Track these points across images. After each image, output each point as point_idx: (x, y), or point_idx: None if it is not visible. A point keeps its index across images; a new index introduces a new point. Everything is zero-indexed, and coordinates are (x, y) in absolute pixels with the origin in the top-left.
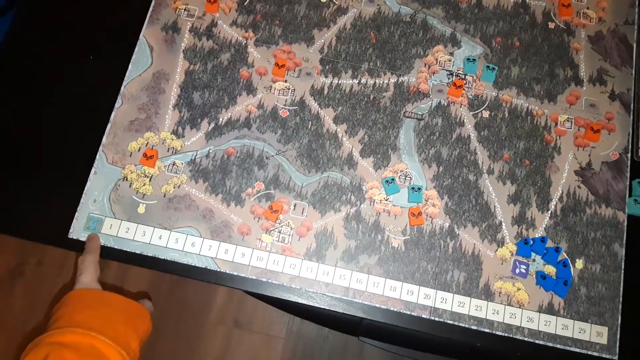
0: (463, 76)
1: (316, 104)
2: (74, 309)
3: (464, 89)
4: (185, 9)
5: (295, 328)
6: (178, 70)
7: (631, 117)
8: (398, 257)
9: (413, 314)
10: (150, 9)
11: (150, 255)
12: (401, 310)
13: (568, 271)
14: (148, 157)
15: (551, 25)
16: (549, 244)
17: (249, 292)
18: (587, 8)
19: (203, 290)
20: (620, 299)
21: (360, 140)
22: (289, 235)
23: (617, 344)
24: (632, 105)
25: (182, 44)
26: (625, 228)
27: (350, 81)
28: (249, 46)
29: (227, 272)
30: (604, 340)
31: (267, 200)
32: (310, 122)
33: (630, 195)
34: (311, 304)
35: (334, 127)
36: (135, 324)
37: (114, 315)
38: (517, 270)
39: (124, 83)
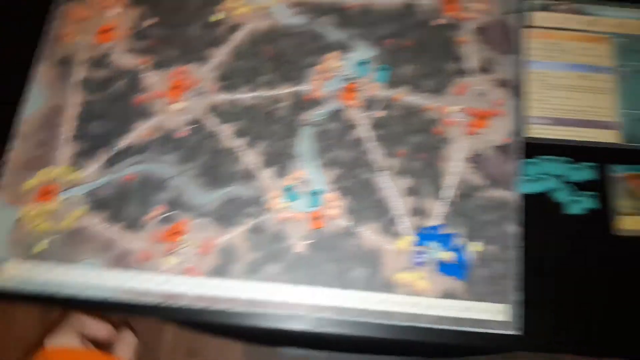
0: (356, 79)
1: (214, 121)
2: None
3: (357, 92)
4: (78, 41)
5: (253, 353)
6: (73, 102)
7: (518, 100)
8: (303, 262)
9: (321, 315)
10: (42, 43)
11: (59, 292)
12: (310, 315)
13: (463, 255)
14: (46, 193)
15: (438, 21)
16: (446, 230)
17: (161, 318)
18: (472, 1)
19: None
20: (519, 276)
21: (260, 152)
22: (193, 254)
23: (521, 319)
24: (519, 90)
25: (77, 76)
26: (519, 207)
27: (247, 95)
28: (144, 71)
29: (133, 301)
30: (506, 317)
31: (169, 223)
32: (208, 140)
33: (521, 175)
34: (222, 321)
35: (233, 142)
36: None
37: None
38: (417, 260)
39: (19, 122)
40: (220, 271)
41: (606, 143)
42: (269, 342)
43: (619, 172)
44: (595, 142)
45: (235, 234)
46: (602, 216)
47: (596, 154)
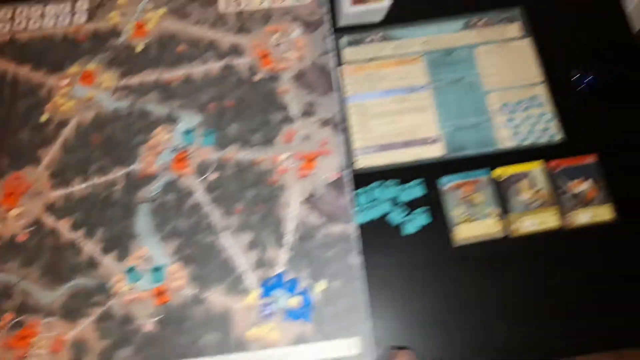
0: (185, 148)
1: (51, 219)
2: None
3: (188, 160)
4: None
5: None
6: None
7: (343, 135)
8: (153, 340)
9: None
10: None
11: None
12: None
13: (307, 297)
14: None
15: (257, 77)
16: (290, 276)
17: None
18: (287, 51)
19: None
20: (366, 305)
21: (99, 239)
22: (45, 355)
23: (371, 349)
24: (341, 125)
25: None
26: (357, 237)
27: (81, 186)
28: None
29: None
30: (358, 349)
31: (18, 328)
32: (48, 238)
33: (355, 206)
34: None
35: (72, 235)
36: None
37: None
38: (264, 313)
39: None
40: None
41: (432, 158)
42: None
43: (447, 183)
44: (421, 159)
45: (84, 326)
46: (438, 229)
47: (425, 169)
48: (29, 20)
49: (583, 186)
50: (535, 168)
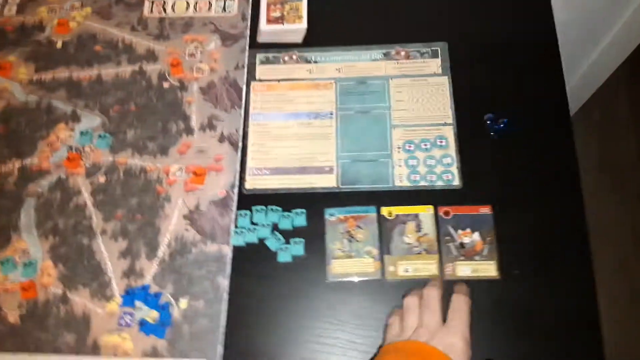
0: (80, 148)
1: None
2: None
3: (81, 160)
4: None
5: None
6: None
7: (239, 154)
8: (14, 332)
9: None
10: None
11: None
12: None
13: (166, 313)
14: None
15: (166, 84)
16: (153, 289)
17: None
18: (201, 62)
19: None
20: (222, 330)
21: None
22: None
23: None
24: (240, 143)
25: None
26: (229, 260)
27: None
28: None
29: None
30: None
31: None
32: None
33: (234, 227)
34: None
35: None
36: None
37: None
38: (123, 321)
39: None
40: None
41: (324, 188)
42: None
43: (333, 215)
44: (313, 187)
45: None
46: (315, 261)
47: (315, 199)
48: None
49: (471, 237)
50: (424, 212)
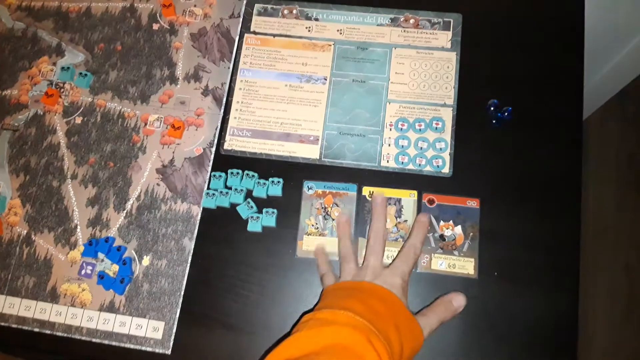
0: (60, 85)
1: None
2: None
3: (60, 97)
4: None
5: None
6: None
7: (221, 111)
8: None
9: None
10: None
11: None
12: None
13: (127, 269)
14: None
15: (155, 26)
16: (117, 242)
17: None
18: (195, 5)
19: None
20: (182, 293)
21: None
22: None
23: (172, 338)
24: (224, 99)
25: None
26: (198, 221)
27: None
28: None
29: None
30: (159, 335)
31: None
32: None
33: (207, 189)
34: None
35: None
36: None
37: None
38: (83, 272)
39: None
40: None
41: (306, 158)
42: None
43: (311, 188)
44: (293, 156)
45: None
46: (286, 235)
47: (294, 169)
48: None
49: (453, 230)
50: (408, 197)
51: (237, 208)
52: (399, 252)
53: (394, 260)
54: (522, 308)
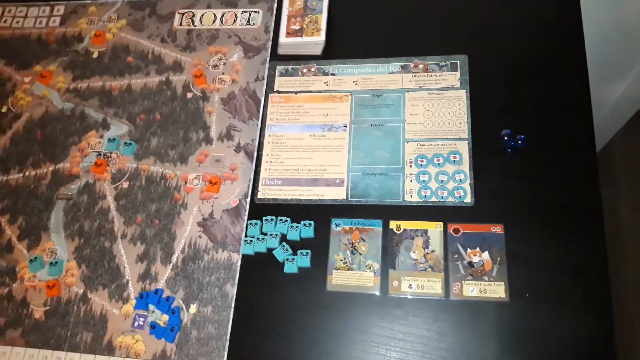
0: (107, 155)
1: None
2: None
3: (107, 166)
4: None
5: None
6: None
7: (253, 164)
8: (38, 327)
9: None
10: None
11: None
12: None
13: (176, 317)
14: None
15: (189, 95)
16: (165, 294)
17: None
18: (223, 73)
19: None
20: (228, 337)
21: (19, 226)
22: None
23: None
24: (255, 154)
25: None
26: (238, 268)
27: (16, 176)
28: None
29: None
30: None
31: None
32: None
33: (245, 236)
34: None
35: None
36: None
37: None
38: (136, 324)
39: None
40: None
41: (334, 200)
42: None
43: (339, 225)
44: (322, 199)
45: None
46: (318, 271)
47: (323, 210)
48: (13, 19)
49: (481, 257)
50: (434, 228)
51: (274, 252)
52: None
53: None
54: (557, 329)
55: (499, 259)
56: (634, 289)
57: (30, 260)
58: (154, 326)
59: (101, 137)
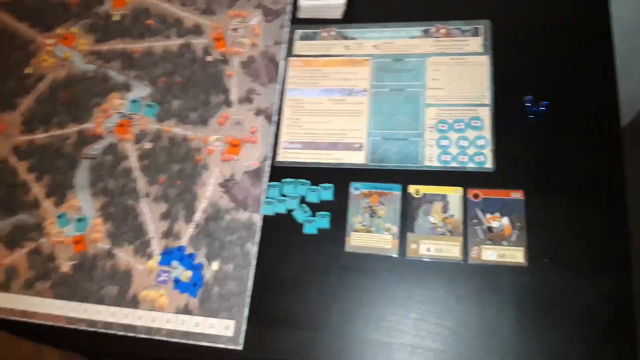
0: (130, 116)
1: (14, 158)
2: None
3: (131, 127)
4: None
5: None
6: None
7: (273, 127)
8: (66, 281)
9: (76, 327)
10: None
11: None
12: (64, 325)
13: (198, 274)
14: None
15: (209, 58)
16: (188, 251)
17: None
18: (243, 37)
19: None
20: (248, 294)
21: (45, 184)
22: None
23: (242, 335)
24: (275, 117)
25: None
26: (259, 228)
27: (42, 135)
28: None
29: None
30: (230, 332)
31: None
32: (8, 176)
33: (265, 198)
34: None
35: (26, 177)
36: None
37: None
38: (160, 279)
39: None
40: (2, 287)
41: (353, 164)
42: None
43: (357, 189)
44: (342, 163)
45: (19, 255)
46: (337, 234)
47: (342, 174)
48: None
49: (500, 222)
50: (453, 193)
51: (293, 213)
52: None
53: None
54: (575, 293)
55: (518, 224)
56: None
57: (58, 217)
58: (177, 281)
59: (123, 98)
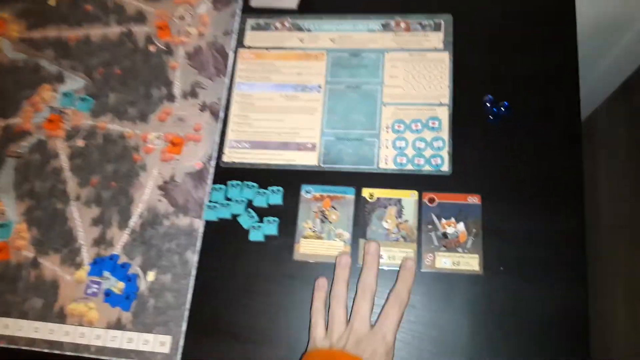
0: (62, 110)
1: None
2: None
3: (62, 122)
4: None
5: None
6: None
7: (219, 124)
8: None
9: None
10: None
11: None
12: None
13: (133, 285)
14: None
15: (152, 48)
16: (121, 260)
17: None
18: (189, 25)
19: None
20: (187, 306)
21: None
22: None
23: (180, 352)
24: (221, 113)
25: None
26: (200, 234)
27: None
28: None
29: None
30: (166, 349)
31: None
32: None
33: (208, 201)
34: None
35: None
36: None
37: None
38: (90, 291)
39: None
40: None
41: (304, 165)
42: None
43: (309, 192)
44: (291, 165)
45: None
46: (285, 239)
47: (293, 176)
48: None
49: (456, 228)
50: (408, 197)
51: (239, 218)
52: (385, 302)
53: (379, 315)
54: (531, 303)
55: (474, 230)
56: (610, 266)
57: None
58: (108, 294)
59: (55, 91)
